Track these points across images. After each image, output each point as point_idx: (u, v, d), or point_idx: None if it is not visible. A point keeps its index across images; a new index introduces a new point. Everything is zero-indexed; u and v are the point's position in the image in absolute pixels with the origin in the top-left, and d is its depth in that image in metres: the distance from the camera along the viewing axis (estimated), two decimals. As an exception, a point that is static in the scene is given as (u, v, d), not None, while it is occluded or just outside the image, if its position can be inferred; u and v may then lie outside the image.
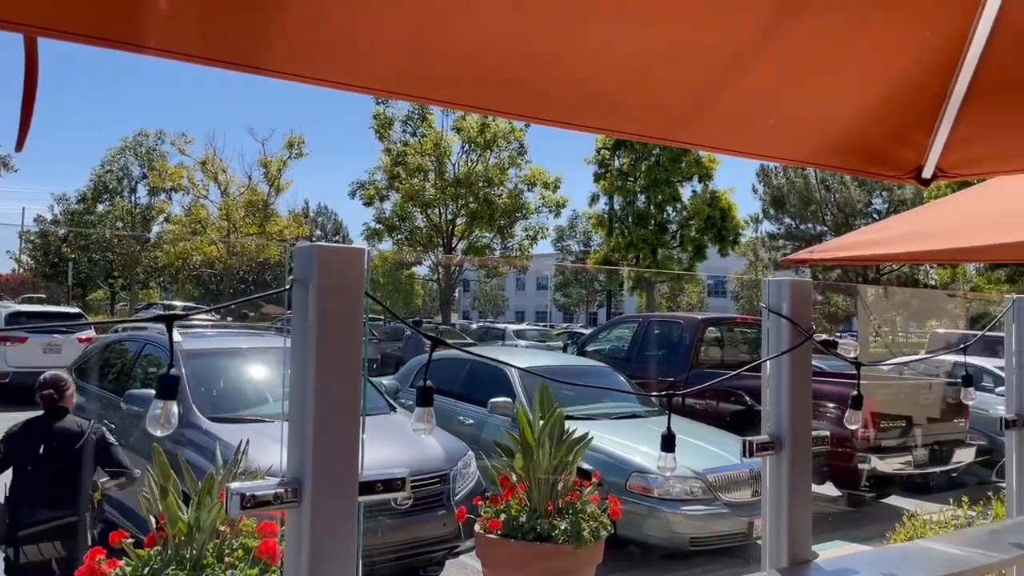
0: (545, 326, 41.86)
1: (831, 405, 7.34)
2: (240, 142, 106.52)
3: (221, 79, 78.89)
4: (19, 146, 1.22)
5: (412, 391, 8.04)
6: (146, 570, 2.76)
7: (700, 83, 1.80)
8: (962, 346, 2.58)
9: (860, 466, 7.85)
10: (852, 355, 12.72)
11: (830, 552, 2.35)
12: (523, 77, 1.63)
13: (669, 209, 29.77)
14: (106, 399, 6.85)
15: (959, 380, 3.32)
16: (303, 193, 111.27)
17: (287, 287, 1.37)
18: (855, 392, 2.13)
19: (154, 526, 2.91)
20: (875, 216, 31.37)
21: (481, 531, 3.96)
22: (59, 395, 4.41)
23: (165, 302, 36.80)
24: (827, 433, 2.25)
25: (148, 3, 1.19)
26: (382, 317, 22.60)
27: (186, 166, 36.63)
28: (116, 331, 10.18)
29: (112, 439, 4.54)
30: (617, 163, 29.99)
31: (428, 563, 5.64)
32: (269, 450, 3.11)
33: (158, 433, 1.28)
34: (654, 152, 28.88)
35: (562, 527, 3.80)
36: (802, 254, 5.06)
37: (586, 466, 5.32)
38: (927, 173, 2.16)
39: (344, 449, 1.36)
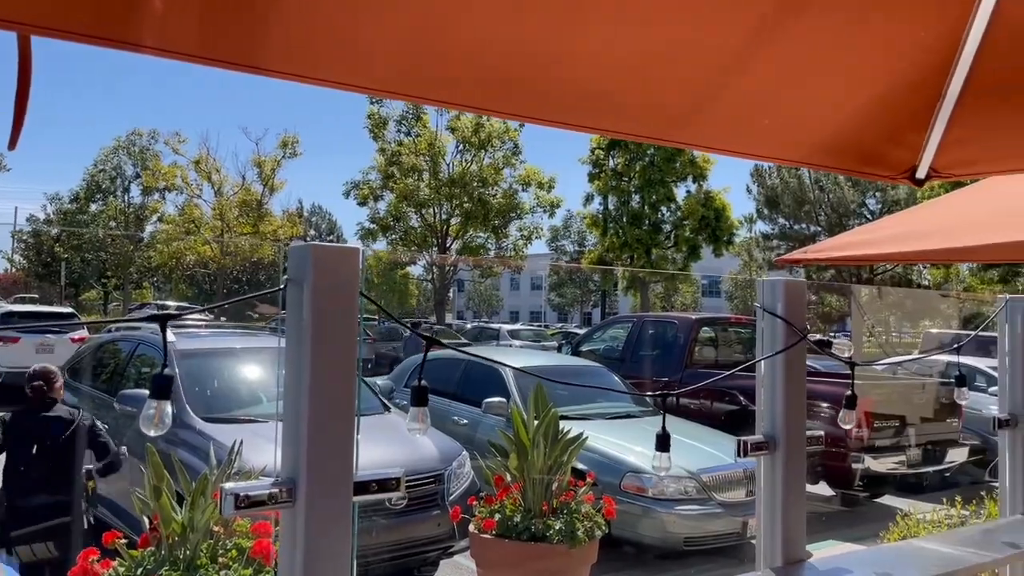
0: (540, 326, 41.81)
1: (825, 405, 7.35)
2: (234, 141, 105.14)
3: (215, 78, 78.72)
4: (12, 144, 1.22)
5: (406, 391, 8.02)
6: (139, 571, 2.75)
7: (700, 83, 1.80)
8: (955, 346, 2.58)
9: (854, 466, 7.87)
10: (846, 355, 12.73)
11: (824, 552, 2.36)
12: (523, 77, 1.63)
13: (663, 209, 29.80)
14: (99, 399, 6.83)
15: (952, 380, 3.34)
16: (297, 193, 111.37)
17: (281, 287, 1.37)
18: (849, 392, 2.14)
19: (147, 526, 2.91)
20: (869, 216, 31.45)
21: (475, 531, 3.96)
22: (48, 386, 4.51)
23: (159, 302, 36.73)
24: (821, 433, 2.26)
25: (147, 3, 1.18)
26: (377, 317, 22.59)
27: (180, 165, 36.56)
28: (109, 331, 10.14)
29: (101, 426, 4.67)
30: (611, 163, 30.00)
31: (422, 563, 5.64)
32: (263, 450, 3.10)
33: (152, 433, 1.27)
34: (648, 152, 28.91)
35: (556, 527, 3.80)
36: (796, 254, 5.08)
37: (581, 466, 5.33)
38: (921, 173, 2.16)
39: (339, 449, 1.35)
